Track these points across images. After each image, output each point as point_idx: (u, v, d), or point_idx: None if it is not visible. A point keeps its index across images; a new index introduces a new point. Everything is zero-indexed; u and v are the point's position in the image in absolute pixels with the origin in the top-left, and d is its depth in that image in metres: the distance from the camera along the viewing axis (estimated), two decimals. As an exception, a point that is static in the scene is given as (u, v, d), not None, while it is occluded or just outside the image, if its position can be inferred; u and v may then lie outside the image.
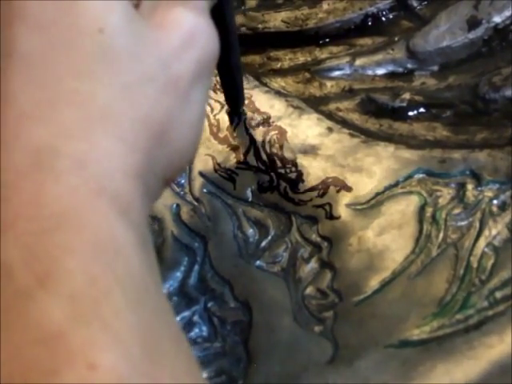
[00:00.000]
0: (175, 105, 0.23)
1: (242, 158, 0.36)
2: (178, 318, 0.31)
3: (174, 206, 0.35)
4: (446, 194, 0.31)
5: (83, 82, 0.20)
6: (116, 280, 0.18)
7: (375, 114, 0.36)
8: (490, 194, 0.31)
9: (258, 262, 0.32)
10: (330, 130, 0.36)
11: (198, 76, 0.24)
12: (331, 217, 0.33)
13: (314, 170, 0.34)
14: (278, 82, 0.39)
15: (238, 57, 0.35)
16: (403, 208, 0.32)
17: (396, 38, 0.39)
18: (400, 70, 0.38)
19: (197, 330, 0.31)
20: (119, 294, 0.18)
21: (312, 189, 0.34)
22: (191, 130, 0.24)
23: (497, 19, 0.37)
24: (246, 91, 0.37)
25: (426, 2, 0.40)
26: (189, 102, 0.23)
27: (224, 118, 0.38)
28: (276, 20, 0.42)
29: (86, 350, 0.16)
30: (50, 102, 0.20)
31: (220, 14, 0.28)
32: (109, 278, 0.18)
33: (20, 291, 0.17)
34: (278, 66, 0.41)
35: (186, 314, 0.31)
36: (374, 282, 0.30)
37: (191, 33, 0.23)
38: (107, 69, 0.21)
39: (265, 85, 0.39)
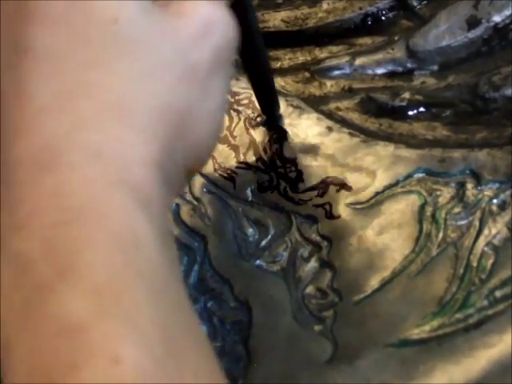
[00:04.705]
0: (194, 93, 0.22)
1: (241, 157, 0.36)
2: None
3: (174, 205, 0.35)
4: (445, 193, 0.31)
5: (99, 73, 0.20)
6: (137, 273, 0.17)
7: (375, 114, 0.36)
8: (489, 193, 0.31)
9: (257, 262, 0.32)
10: (329, 129, 0.36)
11: (218, 64, 0.23)
12: (331, 216, 0.33)
13: (314, 170, 0.34)
14: (277, 82, 0.39)
15: (266, 58, 0.34)
16: (403, 207, 0.32)
17: (396, 38, 0.39)
18: (400, 69, 0.38)
19: (197, 330, 0.31)
20: (141, 288, 0.17)
21: (312, 188, 0.34)
22: (212, 119, 0.24)
23: (496, 18, 0.37)
24: (245, 91, 0.37)
25: (425, 2, 0.40)
26: (208, 91, 0.23)
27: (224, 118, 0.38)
28: (276, 19, 0.42)
29: (108, 343, 0.16)
30: (65, 94, 0.20)
31: (242, 17, 0.27)
32: (130, 271, 0.17)
33: (40, 284, 0.17)
34: (278, 65, 0.41)
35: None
36: (374, 282, 0.30)
37: (208, 20, 0.23)
38: (123, 59, 0.21)
39: (265, 84, 0.39)
